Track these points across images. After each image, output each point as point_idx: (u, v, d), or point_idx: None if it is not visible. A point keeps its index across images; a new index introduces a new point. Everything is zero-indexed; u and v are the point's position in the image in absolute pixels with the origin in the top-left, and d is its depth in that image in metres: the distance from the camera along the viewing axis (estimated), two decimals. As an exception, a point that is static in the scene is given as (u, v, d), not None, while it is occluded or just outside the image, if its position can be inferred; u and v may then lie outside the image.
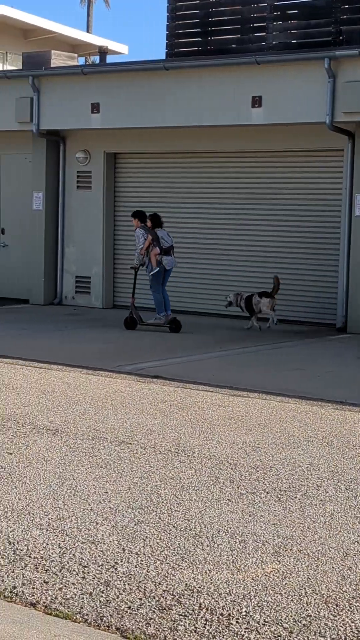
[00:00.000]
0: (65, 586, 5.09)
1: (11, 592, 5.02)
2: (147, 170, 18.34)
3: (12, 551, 5.55)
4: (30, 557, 5.47)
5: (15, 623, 4.68)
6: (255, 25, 18.60)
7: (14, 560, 5.41)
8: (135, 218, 15.72)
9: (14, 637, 4.52)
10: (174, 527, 5.99)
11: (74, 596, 4.97)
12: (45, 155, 18.73)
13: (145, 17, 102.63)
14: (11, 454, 7.63)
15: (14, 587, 5.07)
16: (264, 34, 18.41)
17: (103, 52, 21.84)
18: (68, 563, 5.38)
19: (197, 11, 19.25)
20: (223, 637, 4.51)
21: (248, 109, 15.80)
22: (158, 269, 15.36)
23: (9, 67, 26.79)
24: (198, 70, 16.44)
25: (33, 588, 5.06)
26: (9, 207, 19.67)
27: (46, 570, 5.28)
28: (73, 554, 5.51)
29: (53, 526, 5.96)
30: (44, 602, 4.90)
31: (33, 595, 4.98)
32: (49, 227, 18.81)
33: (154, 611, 4.79)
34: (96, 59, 28.74)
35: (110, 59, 24.41)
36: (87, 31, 33.00)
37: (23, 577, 5.20)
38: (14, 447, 7.83)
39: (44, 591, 5.03)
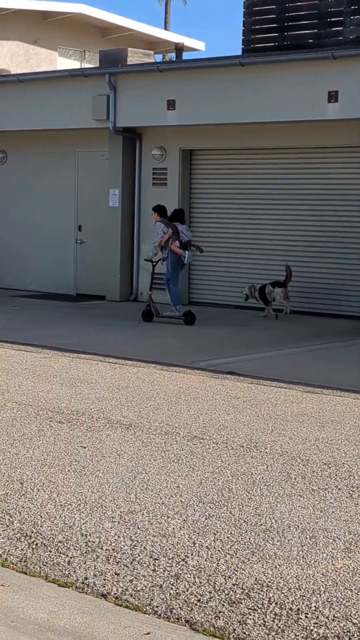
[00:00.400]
0: (135, 578, 5.14)
1: (83, 583, 5.09)
2: (222, 166, 18.35)
3: (84, 543, 5.62)
4: (102, 549, 5.54)
5: (86, 613, 4.75)
6: (332, 19, 18.47)
7: (86, 552, 5.49)
8: (155, 212, 16.11)
9: (85, 627, 4.59)
10: (244, 521, 6.00)
11: (144, 588, 5.02)
12: (122, 153, 18.86)
13: (222, 14, 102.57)
14: (85, 447, 7.73)
15: (86, 578, 5.14)
16: (341, 28, 18.28)
17: (179, 49, 21.90)
18: (139, 555, 5.44)
19: (274, 7, 19.19)
20: (292, 632, 4.51)
21: (324, 104, 15.69)
22: (185, 259, 15.74)
23: (87, 65, 27.04)
24: (274, 65, 16.39)
25: (104, 579, 5.13)
26: (85, 204, 19.85)
27: (117, 562, 5.34)
28: (144, 547, 5.56)
29: (125, 519, 6.02)
30: (115, 594, 4.96)
31: (104, 587, 5.04)
32: (125, 224, 18.94)
33: (223, 604, 4.82)
34: (173, 56, 28.82)
35: (186, 55, 24.45)
36: (165, 28, 33.12)
37: (95, 568, 5.27)
38: (88, 441, 7.92)
39: (114, 583, 5.09)
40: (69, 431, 8.26)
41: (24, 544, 5.63)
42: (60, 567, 5.30)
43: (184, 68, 17.83)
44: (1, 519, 6.02)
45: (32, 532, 5.80)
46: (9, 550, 5.54)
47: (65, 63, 27.41)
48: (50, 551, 5.53)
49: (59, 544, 5.63)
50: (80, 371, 11.20)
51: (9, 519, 6.02)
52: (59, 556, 5.45)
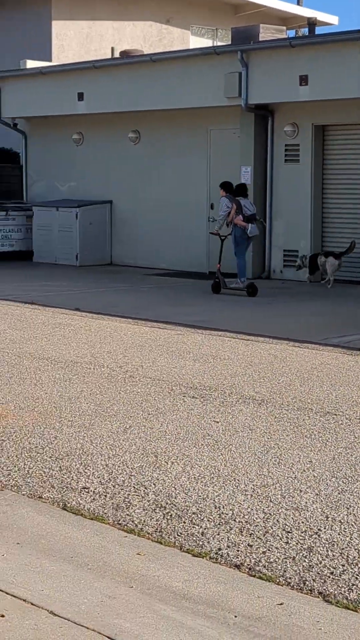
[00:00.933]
0: (268, 550, 5.19)
1: (216, 553, 5.17)
2: (357, 141, 18.09)
3: (217, 515, 5.70)
4: (235, 521, 5.60)
5: (220, 583, 4.83)
6: None
7: (219, 524, 5.57)
8: (222, 188, 16.69)
9: (219, 596, 4.67)
10: (378, 497, 5.98)
11: (277, 560, 5.07)
12: (254, 130, 18.81)
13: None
14: (218, 422, 7.81)
15: (219, 549, 5.22)
16: None
17: (312, 23, 21.67)
18: (272, 528, 5.48)
19: None
20: None
21: None
22: (248, 231, 16.36)
23: (219, 44, 27.02)
24: None
25: (237, 551, 5.20)
26: (217, 182, 19.88)
27: (250, 534, 5.40)
28: (277, 520, 5.60)
29: (257, 492, 6.07)
30: (248, 565, 5.02)
31: (237, 558, 5.11)
32: (257, 201, 18.87)
33: (356, 578, 4.83)
34: (305, 31, 28.53)
35: (319, 30, 24.16)
36: (297, 3, 32.85)
37: (228, 539, 5.34)
38: (221, 416, 8.00)
39: (248, 554, 5.15)
40: (202, 406, 8.35)
41: (159, 515, 5.74)
42: (194, 538, 5.40)
43: (316, 42, 17.63)
44: (137, 490, 6.15)
45: (167, 504, 5.91)
46: (144, 521, 5.66)
47: (197, 42, 27.46)
48: (184, 522, 5.63)
49: (193, 515, 5.72)
50: (213, 348, 11.29)
51: (144, 491, 6.15)
52: (193, 527, 5.55)
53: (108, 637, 4.25)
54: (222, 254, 16.59)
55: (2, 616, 4.42)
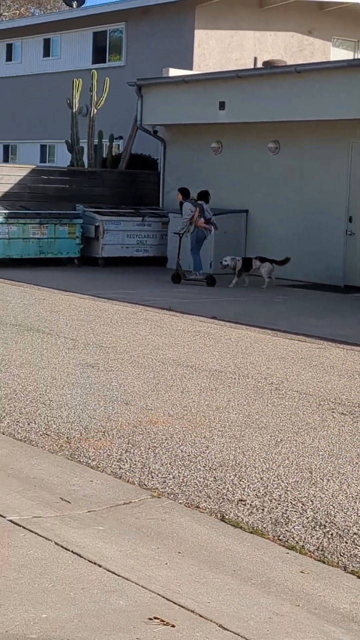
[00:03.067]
0: None
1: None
2: None
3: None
4: None
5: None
6: None
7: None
8: (179, 193, 19.25)
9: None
10: None
11: None
12: None
13: None
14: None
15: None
16: None
17: None
18: None
19: None
20: None
21: None
22: (211, 232, 19.05)
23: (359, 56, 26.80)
24: None
25: None
26: (357, 196, 19.66)
27: None
28: None
29: None
30: None
31: None
32: None
33: None
34: None
35: None
36: None
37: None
38: (373, 435, 7.85)
39: None
40: (352, 424, 8.22)
41: (319, 533, 5.66)
42: (357, 559, 5.29)
43: None
44: (294, 506, 6.08)
45: (326, 522, 5.83)
46: (305, 538, 5.59)
47: (338, 53, 27.26)
48: (346, 542, 5.53)
49: (355, 536, 5.62)
50: (357, 363, 11.12)
51: (301, 507, 6.07)
52: (356, 548, 5.45)
53: (281, 656, 4.19)
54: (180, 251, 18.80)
55: (173, 626, 4.41)
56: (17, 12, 53.34)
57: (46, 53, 30.64)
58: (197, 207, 18.75)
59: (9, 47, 32.04)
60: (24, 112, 30.93)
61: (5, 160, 31.71)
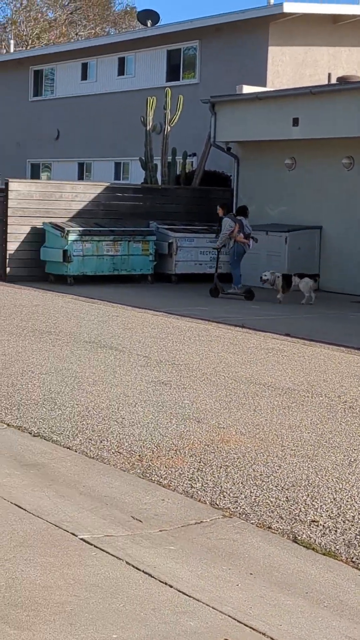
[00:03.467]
0: None
1: None
2: None
3: None
4: None
5: None
6: None
7: None
8: (220, 208, 19.44)
9: None
10: None
11: None
12: None
13: None
14: None
15: None
16: None
17: None
18: None
19: None
20: None
21: None
22: (250, 247, 19.23)
23: None
24: None
25: None
26: None
27: None
28: None
29: None
30: None
31: None
32: None
33: None
34: None
35: None
36: None
37: None
38: None
39: None
40: None
41: (393, 556, 5.56)
42: None
43: None
44: (368, 528, 5.99)
45: None
46: (378, 561, 5.50)
47: None
48: None
49: None
50: None
51: (375, 529, 5.98)
52: None
53: None
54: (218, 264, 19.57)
55: (244, 649, 4.37)
56: (93, 31, 53.96)
57: (121, 72, 30.90)
58: (236, 223, 18.96)
59: (84, 66, 32.38)
60: (99, 130, 31.21)
61: (80, 178, 32.00)
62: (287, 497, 6.55)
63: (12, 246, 21.21)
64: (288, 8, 24.86)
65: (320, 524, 6.06)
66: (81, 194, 22.34)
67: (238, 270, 19.33)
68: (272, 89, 23.36)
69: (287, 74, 25.73)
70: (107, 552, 5.46)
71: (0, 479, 6.71)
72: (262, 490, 6.68)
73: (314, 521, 6.11)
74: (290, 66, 25.84)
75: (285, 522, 6.10)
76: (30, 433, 8.03)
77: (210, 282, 21.79)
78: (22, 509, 6.13)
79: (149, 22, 32.07)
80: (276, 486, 6.79)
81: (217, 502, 6.42)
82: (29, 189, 21.71)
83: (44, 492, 6.49)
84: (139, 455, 7.44)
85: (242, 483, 6.83)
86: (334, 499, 6.53)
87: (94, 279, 20.81)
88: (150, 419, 8.59)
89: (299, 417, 8.91)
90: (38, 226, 21.27)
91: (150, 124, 24.44)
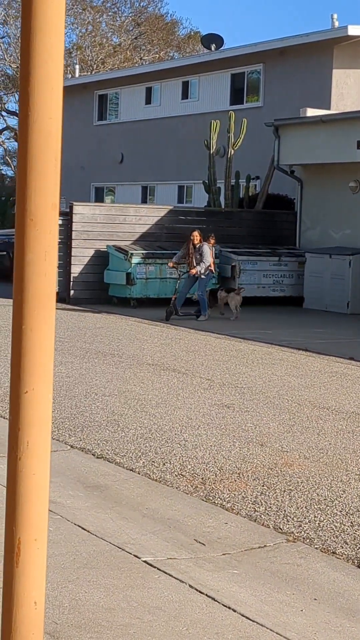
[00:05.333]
0: None
1: None
2: None
3: None
4: None
5: None
6: None
7: None
8: (199, 235, 19.14)
9: None
10: None
11: None
12: None
13: None
14: None
15: None
16: None
17: None
18: None
19: None
20: None
21: None
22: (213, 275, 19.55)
23: None
24: None
25: None
26: None
27: None
28: None
29: None
30: None
31: None
32: None
33: None
34: None
35: None
36: None
37: None
38: None
39: None
40: None
41: None
42: None
43: None
44: None
45: None
46: None
47: None
48: None
49: None
50: None
51: None
52: None
53: None
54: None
55: None
56: (157, 55, 54.38)
57: (184, 95, 31.07)
58: (210, 250, 19.03)
59: (149, 90, 32.63)
60: (162, 153, 31.40)
61: (144, 201, 32.20)
62: (351, 522, 6.48)
63: (76, 269, 21.38)
64: (353, 31, 24.82)
65: (386, 550, 5.98)
66: (145, 217, 22.47)
67: (204, 295, 19.13)
68: (336, 112, 23.31)
69: (351, 96, 25.65)
70: (170, 575, 5.45)
71: (63, 501, 6.74)
72: (326, 515, 6.62)
73: (379, 547, 6.03)
74: (354, 89, 25.76)
75: (350, 547, 6.03)
76: (94, 455, 8.06)
77: (272, 305, 21.74)
78: (86, 530, 6.15)
79: (213, 46, 32.23)
80: (340, 511, 6.72)
81: (281, 527, 6.37)
82: (93, 212, 21.90)
83: (107, 514, 6.49)
84: (202, 478, 7.42)
85: (305, 507, 6.78)
86: None
87: (157, 302, 20.87)
88: (213, 442, 8.57)
89: (363, 441, 8.82)
90: (102, 249, 21.43)
91: (214, 147, 24.52)
